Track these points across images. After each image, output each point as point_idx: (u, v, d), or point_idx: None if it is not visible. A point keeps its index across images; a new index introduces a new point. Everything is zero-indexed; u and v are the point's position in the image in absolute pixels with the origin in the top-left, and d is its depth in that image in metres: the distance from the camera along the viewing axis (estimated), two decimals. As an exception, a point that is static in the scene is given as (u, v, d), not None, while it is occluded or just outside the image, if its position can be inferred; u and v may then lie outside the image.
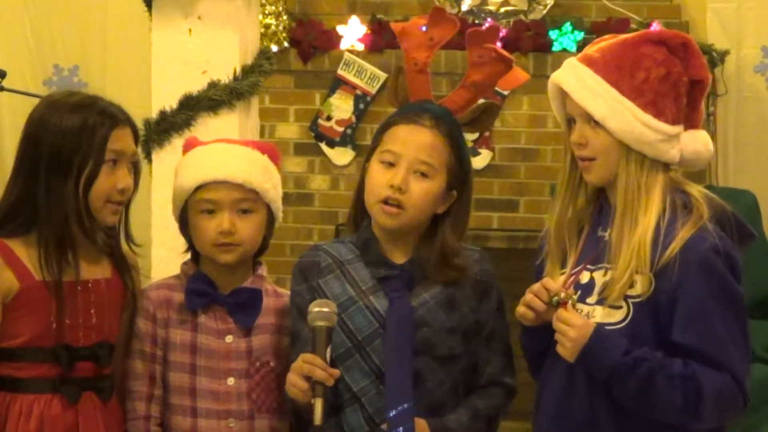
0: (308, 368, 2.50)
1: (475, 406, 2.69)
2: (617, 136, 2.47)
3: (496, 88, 5.89)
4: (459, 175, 2.71)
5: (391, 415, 2.57)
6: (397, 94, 2.80)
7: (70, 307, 2.63)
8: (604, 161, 2.50)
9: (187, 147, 2.87)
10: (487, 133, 6.01)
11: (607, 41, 2.58)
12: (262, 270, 2.84)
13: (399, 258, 2.70)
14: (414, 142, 2.66)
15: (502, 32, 5.99)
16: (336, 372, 2.51)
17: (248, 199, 2.73)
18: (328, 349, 2.52)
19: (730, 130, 6.17)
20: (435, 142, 2.66)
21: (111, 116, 2.65)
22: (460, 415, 2.66)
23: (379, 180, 2.66)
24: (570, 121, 2.56)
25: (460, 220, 2.73)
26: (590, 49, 2.58)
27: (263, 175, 2.77)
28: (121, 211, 2.71)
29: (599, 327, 2.43)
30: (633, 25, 5.90)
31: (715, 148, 6.11)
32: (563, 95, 2.56)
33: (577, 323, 2.43)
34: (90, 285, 2.68)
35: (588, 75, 2.52)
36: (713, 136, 6.10)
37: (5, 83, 4.94)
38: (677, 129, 2.50)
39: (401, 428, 2.55)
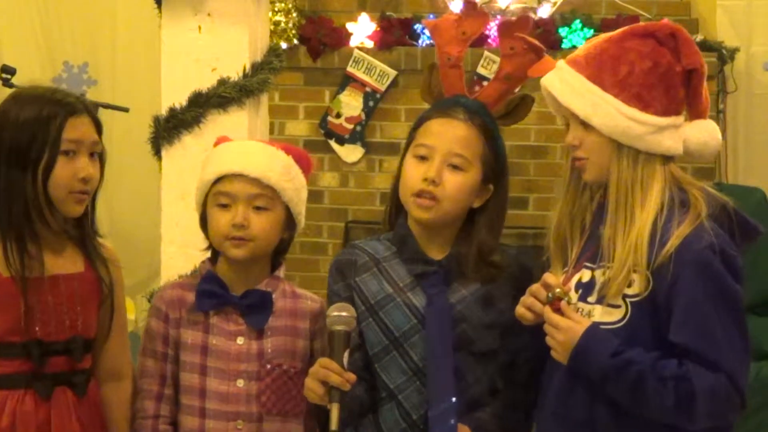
0: (324, 373, 2.48)
1: (511, 398, 2.68)
2: (604, 132, 2.46)
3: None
4: (495, 169, 2.70)
5: (434, 412, 2.57)
6: (431, 90, 2.79)
7: (41, 302, 2.62)
8: (596, 159, 2.49)
9: (216, 144, 2.88)
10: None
11: (594, 40, 2.58)
12: (280, 271, 2.82)
13: (436, 254, 2.69)
14: (447, 134, 2.65)
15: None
16: (352, 377, 2.49)
17: (264, 195, 2.72)
18: (346, 354, 2.50)
19: (740, 127, 6.17)
20: (469, 134, 2.66)
21: (66, 105, 2.62)
22: (495, 407, 2.66)
23: (413, 174, 2.65)
24: (568, 123, 2.56)
25: (497, 216, 2.72)
26: (578, 50, 2.59)
27: (283, 174, 2.75)
28: (87, 201, 2.67)
29: (591, 328, 2.42)
30: (642, 22, 5.88)
31: (725, 146, 6.13)
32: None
33: (563, 325, 2.43)
34: (61, 279, 2.66)
35: (571, 75, 2.52)
36: (723, 133, 6.09)
37: (15, 80, 4.96)
38: (670, 120, 2.48)
39: (444, 426, 2.55)
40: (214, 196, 2.73)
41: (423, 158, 2.65)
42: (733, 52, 6.03)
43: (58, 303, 2.64)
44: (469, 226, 2.70)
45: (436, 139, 2.65)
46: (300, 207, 2.79)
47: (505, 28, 2.76)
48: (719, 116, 6.03)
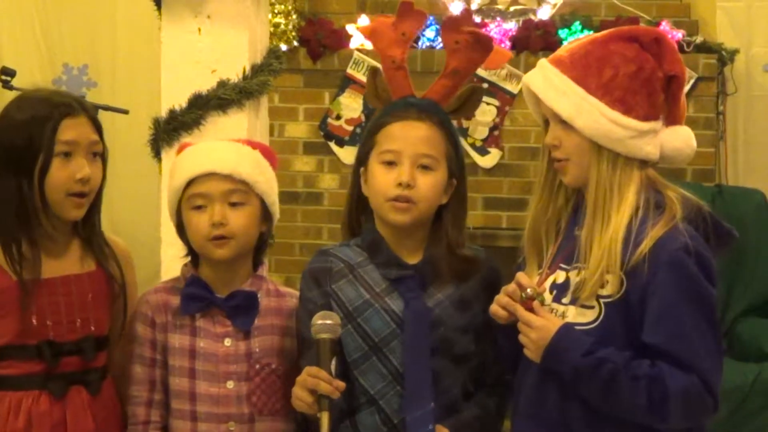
0: (313, 382, 2.48)
1: (487, 405, 2.70)
2: (586, 134, 2.46)
3: (505, 87, 5.95)
4: (457, 163, 2.71)
5: (411, 418, 2.57)
6: (377, 94, 2.78)
7: (53, 303, 2.63)
8: (577, 161, 2.49)
9: (179, 151, 2.88)
10: (496, 132, 6.01)
11: (578, 41, 2.57)
12: (262, 270, 2.83)
13: (408, 257, 2.69)
14: (411, 137, 2.65)
15: (512, 31, 5.99)
16: (341, 384, 2.49)
17: (238, 190, 2.72)
18: (333, 362, 2.50)
19: (740, 129, 6.17)
20: (430, 133, 2.66)
21: (60, 106, 2.61)
22: (474, 412, 2.67)
23: (385, 180, 2.64)
24: (546, 122, 2.56)
25: (460, 208, 2.73)
26: (561, 50, 2.58)
27: (253, 168, 2.75)
28: (86, 204, 2.67)
29: (564, 327, 2.42)
30: (642, 24, 5.89)
31: (725, 148, 6.13)
32: (537, 96, 2.56)
33: (537, 324, 2.43)
34: (71, 280, 2.67)
35: (555, 75, 2.50)
36: (723, 135, 6.09)
37: (15, 82, 4.96)
38: (650, 125, 2.47)
39: (422, 430, 2.55)
40: (188, 199, 2.73)
41: (391, 163, 2.65)
42: (733, 53, 6.04)
43: (69, 303, 2.65)
44: (438, 225, 2.71)
45: (400, 143, 2.65)
46: (273, 197, 2.80)
47: (448, 24, 2.74)
48: (719, 118, 6.03)
